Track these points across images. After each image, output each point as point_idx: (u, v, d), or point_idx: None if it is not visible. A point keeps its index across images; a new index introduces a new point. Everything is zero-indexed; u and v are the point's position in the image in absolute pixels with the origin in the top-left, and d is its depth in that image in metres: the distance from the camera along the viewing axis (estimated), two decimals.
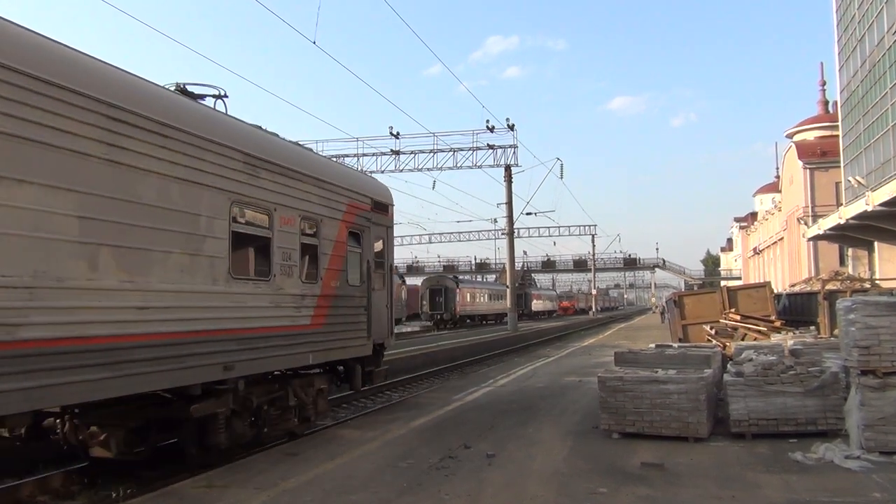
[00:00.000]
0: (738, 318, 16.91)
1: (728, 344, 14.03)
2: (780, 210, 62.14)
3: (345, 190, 11.55)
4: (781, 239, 60.56)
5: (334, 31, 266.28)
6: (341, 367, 12.02)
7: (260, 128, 10.07)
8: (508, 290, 44.04)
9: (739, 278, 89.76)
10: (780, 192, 63.87)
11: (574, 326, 58.64)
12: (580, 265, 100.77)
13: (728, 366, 10.24)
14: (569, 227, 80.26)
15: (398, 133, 38.54)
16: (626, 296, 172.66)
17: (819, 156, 50.27)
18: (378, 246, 12.68)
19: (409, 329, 52.94)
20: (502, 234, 50.59)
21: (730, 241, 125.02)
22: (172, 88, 8.82)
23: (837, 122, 42.38)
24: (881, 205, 28.80)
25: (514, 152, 38.97)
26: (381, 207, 12.76)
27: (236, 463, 9.40)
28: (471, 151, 39.11)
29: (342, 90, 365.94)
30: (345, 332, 11.35)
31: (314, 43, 23.84)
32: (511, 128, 38.18)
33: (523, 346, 36.52)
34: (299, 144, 11.90)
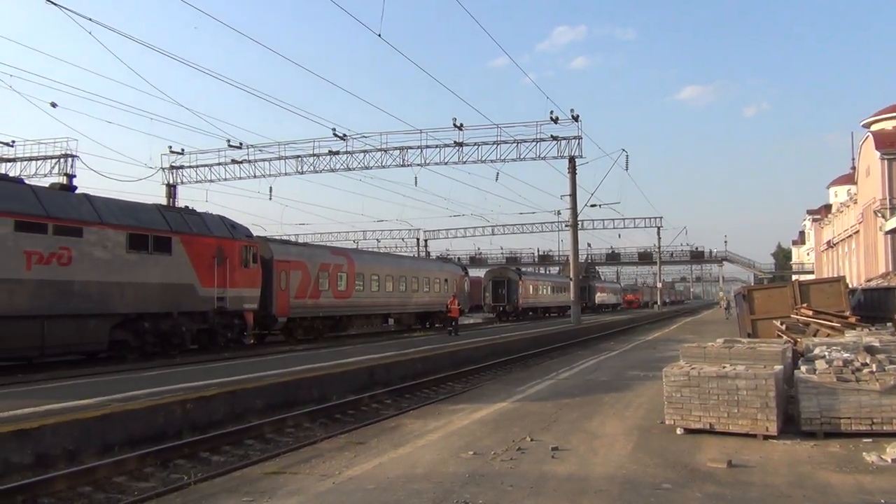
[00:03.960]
0: (809, 313, 16.41)
1: (799, 340, 13.63)
2: (855, 202, 60.01)
3: None
4: (857, 232, 58.47)
5: (400, 24, 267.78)
6: None
7: None
8: (572, 283, 43.64)
9: (812, 272, 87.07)
10: (855, 183, 61.65)
11: (639, 320, 57.82)
12: (645, 258, 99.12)
13: (799, 362, 9.99)
14: (634, 219, 79.13)
15: (462, 125, 38.51)
16: (692, 289, 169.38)
17: None
18: None
19: (471, 321, 53.12)
20: (566, 226, 50.30)
21: (802, 234, 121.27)
22: None
23: None
24: None
25: (578, 143, 38.60)
26: None
27: (303, 450, 9.66)
28: (534, 143, 38.85)
29: (407, 82, 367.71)
30: None
31: (379, 36, 23.96)
32: (576, 119, 37.83)
33: (586, 339, 36.17)
34: None
